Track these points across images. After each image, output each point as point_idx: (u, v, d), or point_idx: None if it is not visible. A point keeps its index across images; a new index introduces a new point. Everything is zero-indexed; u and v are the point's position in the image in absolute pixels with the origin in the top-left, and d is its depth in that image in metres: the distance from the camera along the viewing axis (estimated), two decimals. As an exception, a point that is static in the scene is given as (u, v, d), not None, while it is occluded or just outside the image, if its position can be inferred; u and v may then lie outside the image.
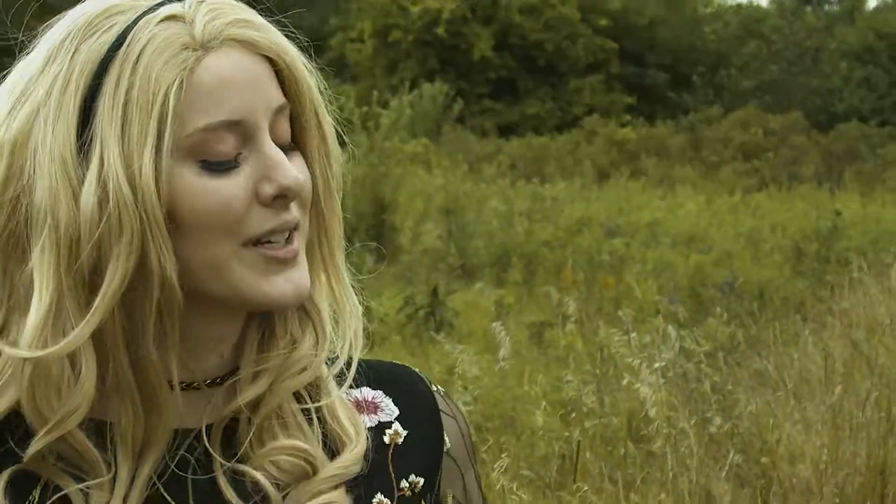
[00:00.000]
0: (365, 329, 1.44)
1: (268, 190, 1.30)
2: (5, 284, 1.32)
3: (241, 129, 1.30)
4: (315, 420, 1.39)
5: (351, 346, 1.41)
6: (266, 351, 1.38)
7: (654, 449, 5.98)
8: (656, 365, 6.81)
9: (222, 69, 1.30)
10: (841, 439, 6.06)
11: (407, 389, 1.47)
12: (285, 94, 1.34)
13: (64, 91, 1.28)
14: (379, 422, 1.44)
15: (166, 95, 1.27)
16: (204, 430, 1.37)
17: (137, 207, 1.26)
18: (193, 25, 1.30)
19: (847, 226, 15.29)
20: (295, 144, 1.36)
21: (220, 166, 1.30)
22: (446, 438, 1.46)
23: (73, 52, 1.29)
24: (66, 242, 1.27)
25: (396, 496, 1.42)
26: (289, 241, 1.33)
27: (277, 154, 1.31)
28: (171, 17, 1.30)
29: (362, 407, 1.44)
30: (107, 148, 1.26)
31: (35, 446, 1.32)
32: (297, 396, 1.40)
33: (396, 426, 1.44)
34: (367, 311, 1.50)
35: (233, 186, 1.29)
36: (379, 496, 1.41)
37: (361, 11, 41.79)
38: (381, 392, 1.45)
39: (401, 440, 1.43)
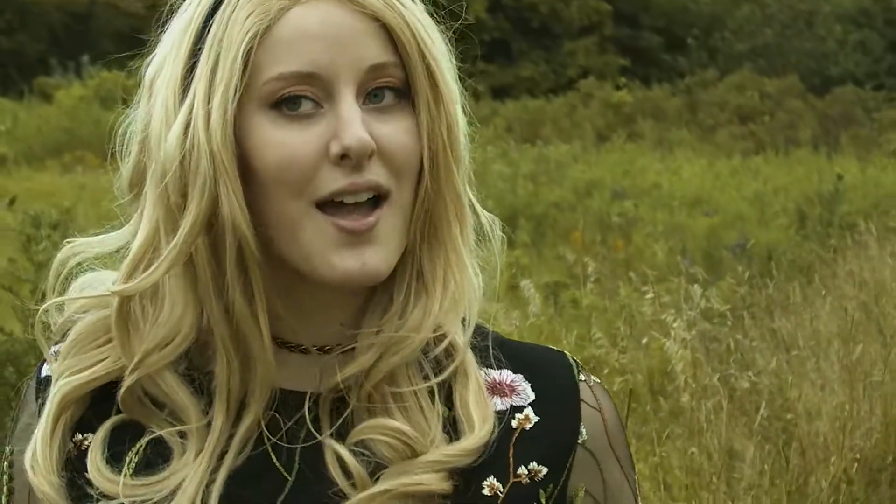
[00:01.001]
0: None
1: (333, 148, 1.26)
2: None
3: (320, 84, 1.27)
4: (437, 401, 1.34)
5: (464, 328, 1.35)
6: (382, 324, 1.34)
7: (682, 403, 6.13)
8: (675, 324, 6.98)
9: (306, 21, 1.28)
10: (855, 398, 6.17)
11: (549, 376, 1.40)
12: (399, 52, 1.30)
13: (184, 33, 1.31)
14: (511, 405, 1.38)
15: (242, 42, 1.27)
16: (308, 396, 1.34)
17: (210, 150, 1.26)
18: None
19: (847, 189, 15.32)
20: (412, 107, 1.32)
21: (292, 117, 1.28)
22: (583, 430, 1.39)
23: None
24: (160, 180, 1.29)
25: (511, 481, 1.36)
26: (368, 212, 1.28)
27: (349, 112, 1.27)
28: None
29: (498, 389, 1.39)
30: (197, 90, 1.28)
31: (125, 383, 1.33)
32: (426, 376, 1.35)
33: (528, 411, 1.38)
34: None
35: (301, 141, 1.27)
36: (491, 479, 1.35)
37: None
38: (521, 376, 1.39)
39: (529, 426, 1.37)
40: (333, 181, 1.26)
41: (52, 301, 1.38)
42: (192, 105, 1.28)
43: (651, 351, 7.20)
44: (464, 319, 1.36)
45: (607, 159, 21.65)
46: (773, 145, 26.16)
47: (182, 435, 1.33)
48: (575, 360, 1.44)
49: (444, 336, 1.35)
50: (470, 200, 1.39)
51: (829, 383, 6.45)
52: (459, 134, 1.34)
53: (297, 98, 1.27)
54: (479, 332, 1.39)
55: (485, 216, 1.41)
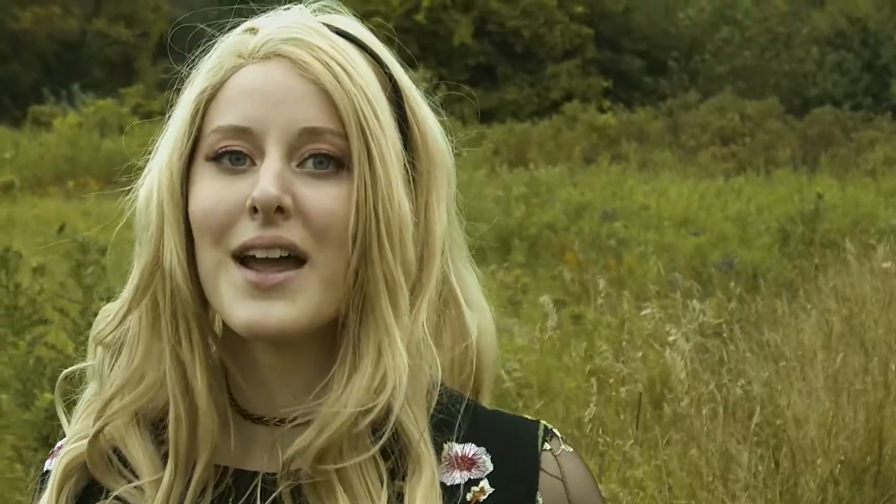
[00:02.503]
0: None
1: (248, 201, 1.26)
2: None
3: (252, 139, 1.28)
4: (385, 489, 1.31)
5: (389, 403, 1.29)
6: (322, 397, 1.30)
7: (680, 410, 6.45)
8: (671, 338, 7.30)
9: (250, 78, 1.29)
10: (840, 406, 6.47)
11: (512, 447, 1.38)
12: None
13: (179, 94, 1.38)
14: (469, 479, 1.36)
15: (193, 98, 1.32)
16: (263, 477, 1.34)
17: (158, 200, 1.30)
18: (256, 36, 1.32)
19: (827, 208, 15.29)
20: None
21: (230, 171, 1.29)
22: (539, 499, 1.35)
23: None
24: (138, 234, 1.34)
25: None
26: (278, 270, 1.26)
27: (267, 168, 1.26)
28: (250, 29, 1.34)
29: (458, 463, 1.37)
30: (161, 146, 1.34)
31: (91, 434, 1.35)
32: (390, 470, 1.32)
33: (484, 483, 1.35)
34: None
35: (226, 191, 1.28)
36: None
37: (342, -2, 41.89)
38: (483, 449, 1.37)
39: (483, 497, 1.35)
40: (245, 233, 1.26)
41: (67, 370, 1.41)
42: (155, 159, 1.34)
43: (650, 363, 7.51)
44: (393, 392, 1.29)
45: (595, 181, 21.78)
46: (754, 166, 26.17)
47: (141, 491, 1.34)
48: (548, 429, 1.39)
49: (394, 419, 1.30)
50: (454, 294, 1.38)
51: (815, 391, 6.74)
52: (394, 211, 1.29)
53: (241, 154, 1.29)
54: (455, 400, 1.38)
55: (468, 315, 1.39)
